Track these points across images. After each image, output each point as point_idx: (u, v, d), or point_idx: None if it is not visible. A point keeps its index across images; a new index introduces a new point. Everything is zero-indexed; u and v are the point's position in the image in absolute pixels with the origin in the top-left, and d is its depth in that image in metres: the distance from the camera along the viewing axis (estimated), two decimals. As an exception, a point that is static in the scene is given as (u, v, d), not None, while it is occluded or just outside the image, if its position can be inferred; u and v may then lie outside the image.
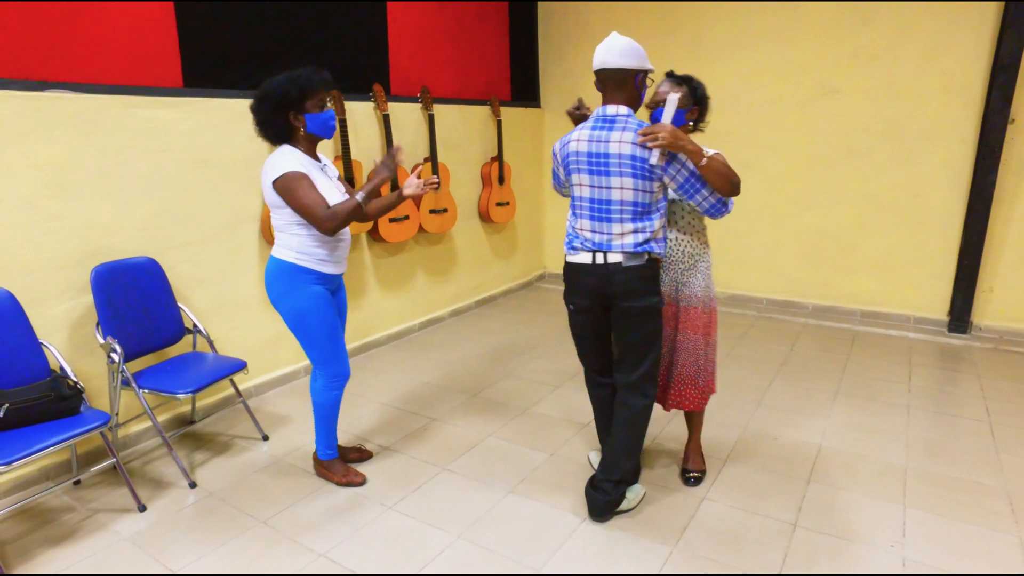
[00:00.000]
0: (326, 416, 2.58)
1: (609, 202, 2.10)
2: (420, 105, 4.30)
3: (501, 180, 5.01)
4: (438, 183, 2.54)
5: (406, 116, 4.21)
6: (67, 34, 2.65)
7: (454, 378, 3.73)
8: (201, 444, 3.01)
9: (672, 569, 2.10)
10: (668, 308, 2.41)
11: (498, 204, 5.02)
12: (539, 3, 5.48)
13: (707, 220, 2.35)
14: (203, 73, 3.12)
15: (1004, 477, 2.57)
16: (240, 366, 2.83)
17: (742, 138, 4.74)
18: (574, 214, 2.21)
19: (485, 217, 5.03)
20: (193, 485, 2.63)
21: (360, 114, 3.90)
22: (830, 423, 3.06)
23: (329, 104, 2.35)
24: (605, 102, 2.12)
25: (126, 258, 2.82)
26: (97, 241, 2.76)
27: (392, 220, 4.02)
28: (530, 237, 5.80)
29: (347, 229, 2.45)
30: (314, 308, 2.39)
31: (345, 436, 3.02)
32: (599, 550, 2.19)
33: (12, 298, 2.41)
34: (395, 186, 3.78)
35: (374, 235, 4.04)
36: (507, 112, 5.09)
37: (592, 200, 2.14)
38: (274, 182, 2.24)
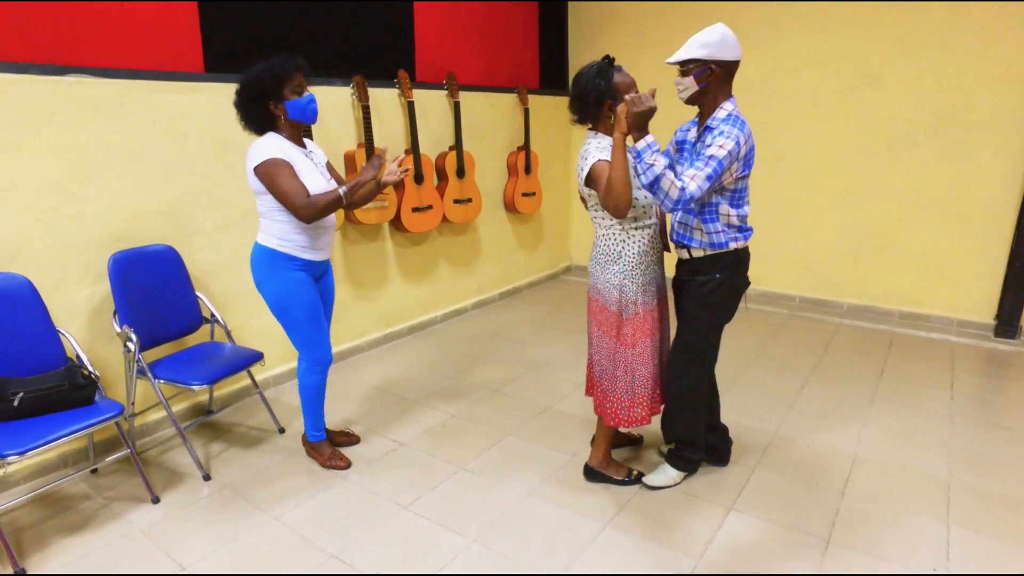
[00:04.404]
0: (310, 399, 2.64)
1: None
2: (446, 92, 4.21)
3: (528, 170, 4.89)
4: (408, 170, 2.57)
5: (431, 103, 4.12)
6: (88, 18, 2.61)
7: (476, 372, 3.65)
8: (218, 435, 2.98)
9: (696, 584, 2.00)
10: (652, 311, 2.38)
11: (524, 194, 4.91)
12: (570, -13, 5.33)
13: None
14: (225, 57, 3.06)
15: (1057, 495, 2.41)
16: (256, 357, 2.78)
17: (776, 129, 4.54)
18: (743, 204, 2.22)
19: (511, 207, 4.93)
20: (208, 477, 2.60)
21: (384, 101, 3.82)
22: (866, 430, 2.91)
23: (307, 89, 2.36)
24: (732, 94, 2.18)
25: (144, 246, 2.79)
26: (118, 226, 2.74)
27: (415, 210, 3.94)
28: (556, 228, 5.68)
29: (331, 216, 2.47)
30: (295, 292, 2.43)
31: (363, 430, 2.98)
32: (621, 559, 2.10)
33: (30, 285, 2.39)
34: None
35: (397, 225, 3.97)
36: (535, 100, 4.96)
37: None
38: (255, 168, 2.28)
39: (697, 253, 2.28)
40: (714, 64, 2.08)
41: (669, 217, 2.45)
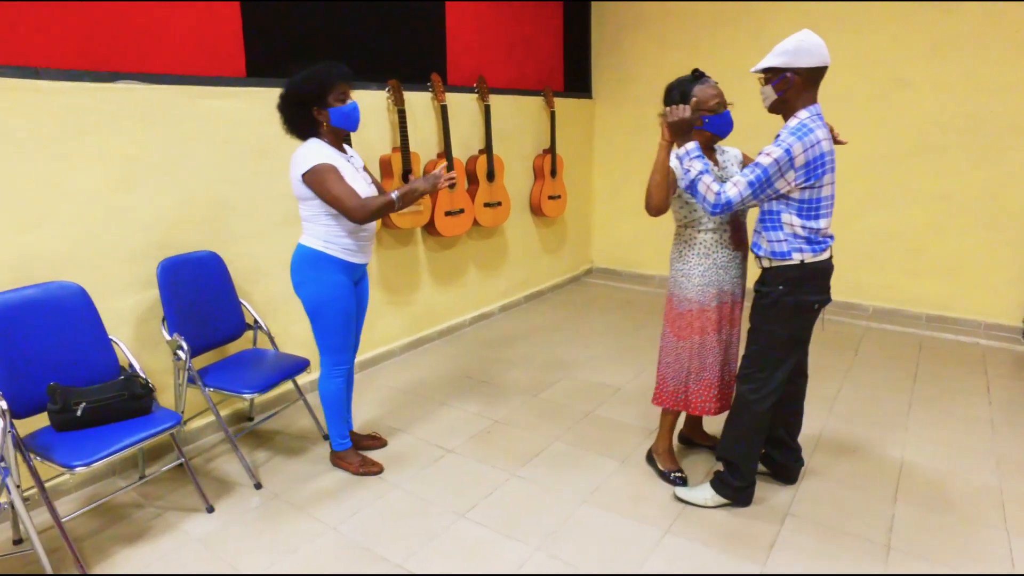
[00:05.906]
0: (333, 404, 2.62)
1: (833, 197, 2.19)
2: (476, 95, 4.20)
3: (553, 173, 4.89)
4: (454, 180, 2.48)
5: (462, 107, 4.11)
6: (135, 25, 2.59)
7: (511, 377, 3.65)
8: (262, 443, 2.97)
9: (764, 593, 2.00)
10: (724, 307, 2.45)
11: (550, 197, 4.91)
12: (593, -10, 5.33)
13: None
14: (266, 63, 3.05)
15: (1109, 502, 2.42)
16: (304, 365, 2.77)
17: (806, 132, 4.54)
18: (817, 215, 2.14)
19: (536, 210, 4.92)
20: (259, 486, 2.59)
21: (418, 104, 3.81)
22: (909, 436, 2.92)
23: (351, 96, 2.37)
24: (816, 100, 2.16)
25: (190, 252, 2.78)
26: (161, 234, 2.72)
27: (448, 214, 3.94)
28: (579, 231, 5.68)
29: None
30: (334, 298, 2.45)
31: (408, 436, 2.97)
32: (686, 567, 2.10)
33: (84, 293, 2.37)
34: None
35: (429, 230, 3.96)
36: (559, 103, 4.96)
37: (832, 197, 2.18)
38: (304, 175, 2.30)
39: (766, 263, 2.24)
40: (790, 72, 2.06)
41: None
